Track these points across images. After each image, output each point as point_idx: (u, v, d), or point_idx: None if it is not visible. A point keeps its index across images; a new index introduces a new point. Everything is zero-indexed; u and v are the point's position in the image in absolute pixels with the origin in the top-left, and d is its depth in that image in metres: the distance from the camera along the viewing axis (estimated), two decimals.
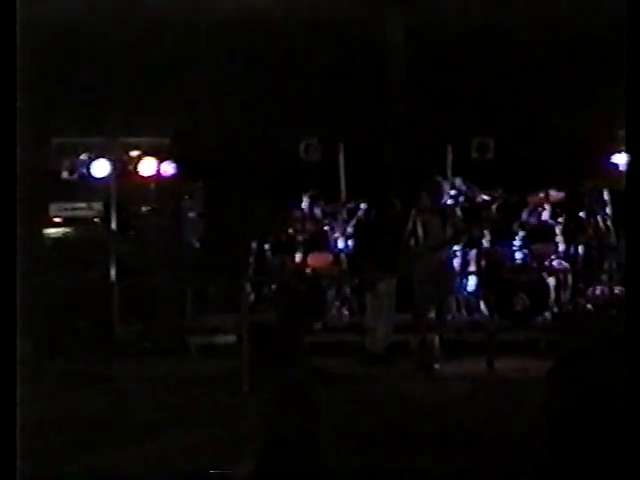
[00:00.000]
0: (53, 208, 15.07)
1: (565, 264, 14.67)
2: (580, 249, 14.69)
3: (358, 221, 14.95)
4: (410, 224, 12.63)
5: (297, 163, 15.59)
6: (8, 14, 4.94)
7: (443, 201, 13.02)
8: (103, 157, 15.11)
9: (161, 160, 15.35)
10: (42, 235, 14.98)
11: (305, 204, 15.24)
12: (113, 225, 15.17)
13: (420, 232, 12.59)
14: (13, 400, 4.59)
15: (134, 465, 8.20)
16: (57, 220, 15.14)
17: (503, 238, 14.88)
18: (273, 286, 14.71)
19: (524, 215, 15.04)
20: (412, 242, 12.66)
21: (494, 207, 15.04)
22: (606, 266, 14.58)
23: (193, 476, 7.81)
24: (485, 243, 14.83)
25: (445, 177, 15.22)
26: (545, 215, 14.98)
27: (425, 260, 12.52)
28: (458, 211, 14.13)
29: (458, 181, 15.26)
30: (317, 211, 15.34)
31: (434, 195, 12.76)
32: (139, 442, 8.91)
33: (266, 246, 15.09)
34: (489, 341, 12.51)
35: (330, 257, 15.08)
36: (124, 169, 15.29)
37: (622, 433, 3.65)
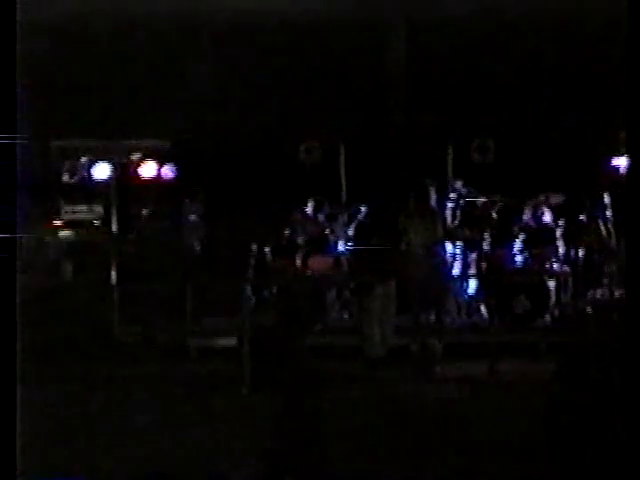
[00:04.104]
0: (54, 211, 15.08)
1: (565, 267, 14.68)
2: (580, 252, 14.70)
3: (358, 224, 14.94)
4: (400, 229, 12.65)
5: (297, 165, 15.60)
6: (8, 15, 4.95)
7: (434, 204, 12.99)
8: (104, 160, 15.11)
9: (162, 163, 15.37)
10: (42, 237, 14.97)
11: (310, 209, 15.24)
12: (114, 228, 15.17)
13: (412, 236, 12.61)
14: (13, 401, 4.58)
15: (133, 466, 8.19)
16: (57, 223, 15.14)
17: (504, 241, 14.88)
18: (273, 289, 14.70)
19: (524, 218, 15.04)
20: (405, 246, 12.68)
21: (494, 210, 15.07)
22: (606, 269, 14.58)
23: (192, 477, 7.81)
24: (485, 246, 14.84)
25: (446, 179, 15.25)
26: (545, 218, 14.98)
27: (419, 264, 12.55)
28: (447, 213, 14.21)
29: (458, 184, 15.27)
30: (320, 215, 15.34)
31: (422, 199, 12.75)
32: (138, 444, 8.90)
33: (266, 249, 15.08)
34: (490, 344, 12.50)
35: (330, 260, 15.07)
36: (125, 172, 15.30)
37: (623, 433, 3.66)
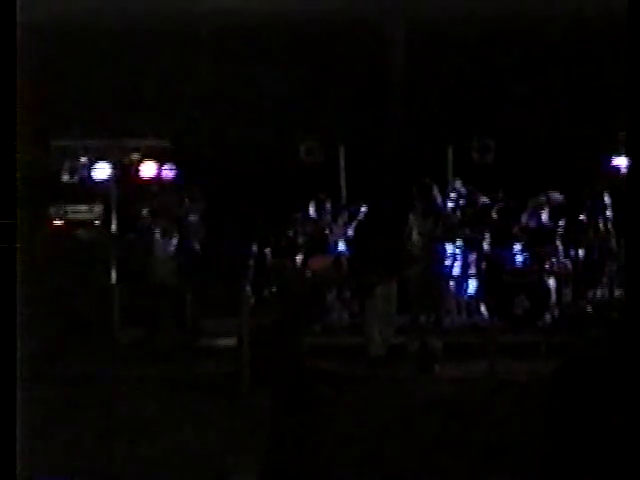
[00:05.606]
0: (54, 211, 15.08)
1: (566, 267, 14.69)
2: (581, 252, 14.71)
3: (358, 223, 14.94)
4: (407, 229, 12.67)
5: (298, 165, 15.60)
6: (8, 15, 4.95)
7: (438, 203, 13.03)
8: (104, 160, 15.13)
9: (162, 163, 15.38)
10: (42, 237, 14.96)
11: (312, 209, 15.25)
12: (113, 228, 15.17)
13: (415, 235, 12.64)
14: (13, 402, 4.59)
15: (132, 466, 8.22)
16: (57, 223, 15.14)
17: (504, 241, 14.89)
18: (273, 289, 14.71)
19: (525, 218, 15.04)
20: (409, 245, 12.70)
21: (494, 210, 15.08)
22: (607, 269, 14.59)
23: (192, 477, 7.83)
24: (486, 246, 14.84)
25: (446, 179, 15.25)
26: (546, 218, 14.99)
27: (419, 263, 12.58)
28: (451, 213, 14.21)
29: (458, 184, 15.27)
30: (320, 215, 15.34)
31: (425, 198, 12.78)
32: (138, 443, 8.91)
33: (266, 249, 15.09)
34: (489, 344, 12.50)
35: (331, 259, 15.08)
36: (125, 172, 15.31)
37: (624, 433, 3.67)
